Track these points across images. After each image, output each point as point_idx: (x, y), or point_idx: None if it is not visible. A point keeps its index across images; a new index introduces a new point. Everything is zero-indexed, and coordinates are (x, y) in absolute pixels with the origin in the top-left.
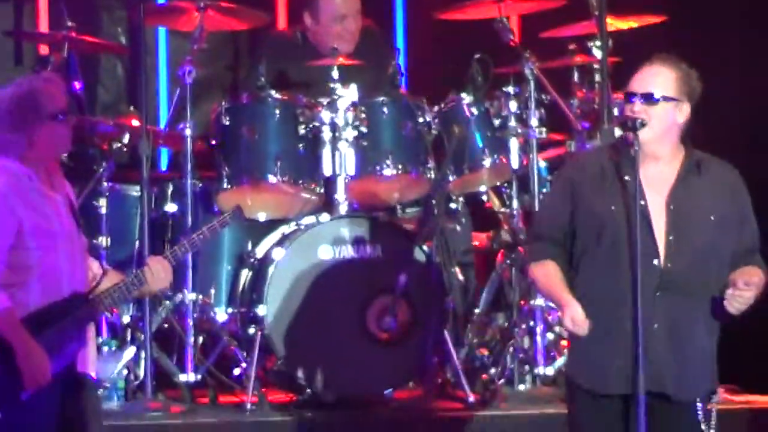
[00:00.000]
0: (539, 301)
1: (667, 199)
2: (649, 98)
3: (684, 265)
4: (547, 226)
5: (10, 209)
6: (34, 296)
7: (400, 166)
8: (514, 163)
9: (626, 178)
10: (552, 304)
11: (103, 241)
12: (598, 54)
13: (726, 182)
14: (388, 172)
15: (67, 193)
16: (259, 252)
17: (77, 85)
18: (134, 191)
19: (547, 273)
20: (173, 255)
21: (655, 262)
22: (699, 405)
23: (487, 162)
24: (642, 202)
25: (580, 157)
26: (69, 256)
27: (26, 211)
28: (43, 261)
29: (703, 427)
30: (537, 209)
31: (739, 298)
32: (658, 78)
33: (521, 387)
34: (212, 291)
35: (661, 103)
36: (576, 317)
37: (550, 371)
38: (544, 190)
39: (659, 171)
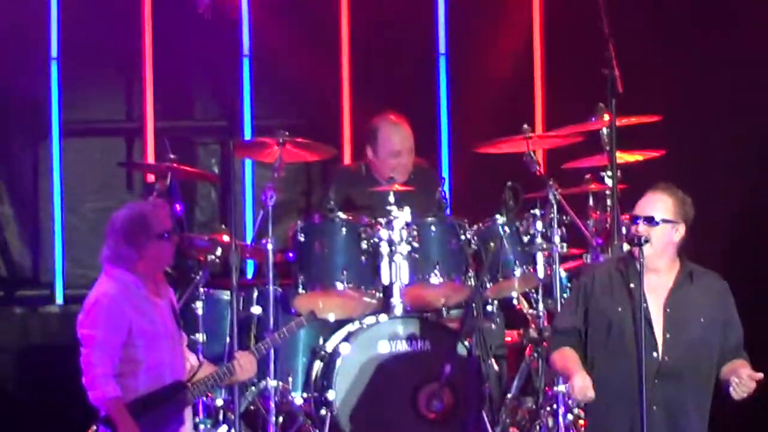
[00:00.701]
0: (561, 388)
1: (665, 304)
2: (650, 221)
3: (678, 358)
4: (564, 322)
5: (121, 312)
6: (141, 384)
7: (445, 275)
8: (540, 273)
9: (631, 285)
10: None
11: (200, 337)
12: (609, 182)
13: (714, 290)
14: (436, 280)
15: (170, 298)
16: (329, 346)
17: (178, 207)
18: (225, 296)
19: (563, 356)
20: (258, 350)
21: (654, 354)
22: None
23: (517, 272)
24: (644, 305)
25: (593, 267)
26: (170, 351)
27: (135, 315)
28: (148, 356)
29: None
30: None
31: (744, 387)
32: (659, 204)
33: None
34: (290, 378)
35: (661, 224)
36: (578, 384)
37: None
38: (565, 295)
39: (658, 280)
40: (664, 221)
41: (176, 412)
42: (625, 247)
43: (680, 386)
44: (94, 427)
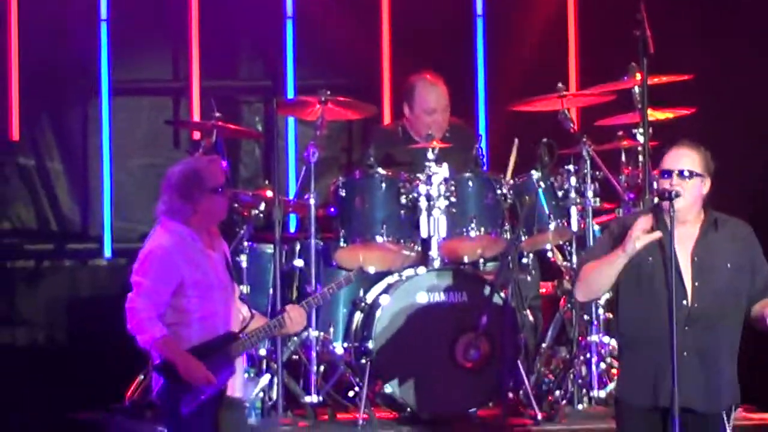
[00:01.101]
0: (594, 338)
1: (692, 253)
2: (683, 174)
3: (707, 304)
4: (592, 257)
5: (174, 264)
6: (194, 333)
7: (482, 229)
8: (574, 226)
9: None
10: (605, 339)
11: (245, 289)
12: (641, 139)
13: (739, 236)
14: (473, 233)
15: (224, 251)
16: (369, 298)
17: (223, 163)
18: (269, 249)
19: (592, 264)
20: (308, 304)
21: (684, 302)
22: (723, 416)
23: (552, 225)
24: (672, 254)
25: (623, 218)
26: (223, 303)
27: (188, 267)
28: (201, 306)
29: None
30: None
31: None
32: (687, 158)
33: (580, 407)
34: (331, 329)
35: (693, 178)
36: (639, 226)
37: (602, 394)
38: None
39: (685, 230)
40: (696, 174)
41: (227, 361)
42: (656, 201)
43: (710, 331)
44: (141, 377)
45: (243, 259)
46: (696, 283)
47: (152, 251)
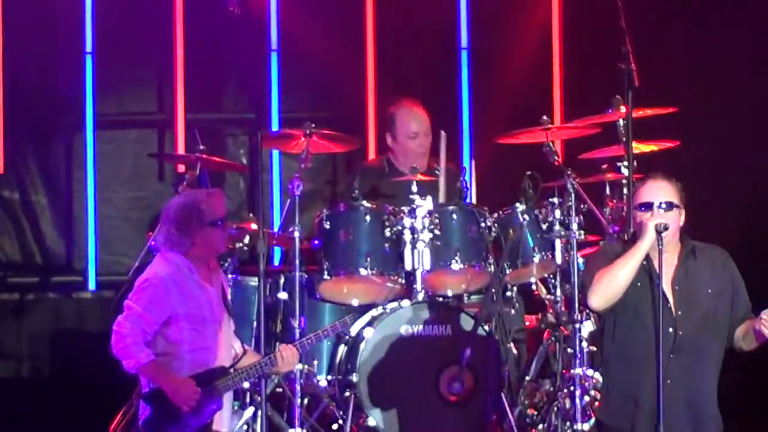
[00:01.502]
0: (578, 371)
1: (672, 281)
2: (669, 206)
3: (691, 332)
4: (595, 270)
5: (168, 294)
6: (185, 366)
7: (466, 262)
8: (558, 259)
9: (644, 262)
10: (589, 372)
11: None
12: (625, 172)
13: (717, 262)
14: (457, 266)
15: (222, 284)
16: (353, 331)
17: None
18: (253, 282)
19: (605, 269)
20: (301, 345)
21: (670, 330)
22: None
23: (536, 258)
24: (656, 281)
25: (610, 245)
26: (214, 337)
27: (182, 299)
28: (192, 339)
29: None
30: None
31: None
32: (665, 190)
33: None
34: (315, 362)
35: (673, 209)
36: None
37: (586, 427)
38: None
39: (664, 260)
40: (674, 206)
41: (215, 395)
42: (652, 232)
43: (694, 360)
44: (125, 409)
45: (228, 292)
46: (679, 312)
47: (149, 280)
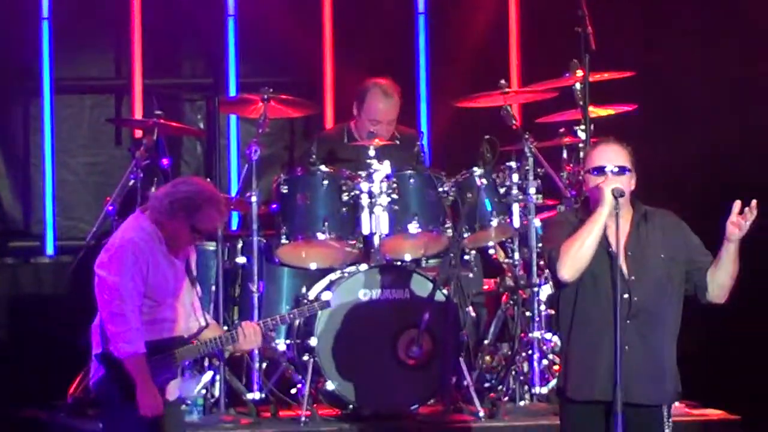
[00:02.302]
0: (536, 334)
1: (626, 247)
2: (623, 171)
3: (646, 297)
4: (557, 241)
5: (144, 260)
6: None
7: (424, 226)
8: (516, 223)
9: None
10: (547, 336)
11: None
12: (582, 135)
13: (668, 226)
14: (414, 230)
15: (188, 257)
16: (311, 294)
17: (165, 161)
18: (211, 247)
19: (569, 240)
20: (265, 324)
21: (625, 296)
22: (663, 409)
23: (494, 222)
24: (611, 249)
25: (565, 213)
26: (173, 309)
27: (149, 266)
28: (151, 310)
29: (666, 429)
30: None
31: (738, 223)
32: (618, 154)
33: (521, 403)
34: None
35: (626, 173)
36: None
37: (544, 390)
38: (539, 245)
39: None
40: (627, 170)
41: (169, 364)
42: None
43: (651, 324)
44: (83, 374)
45: (192, 263)
46: (632, 277)
47: (123, 246)
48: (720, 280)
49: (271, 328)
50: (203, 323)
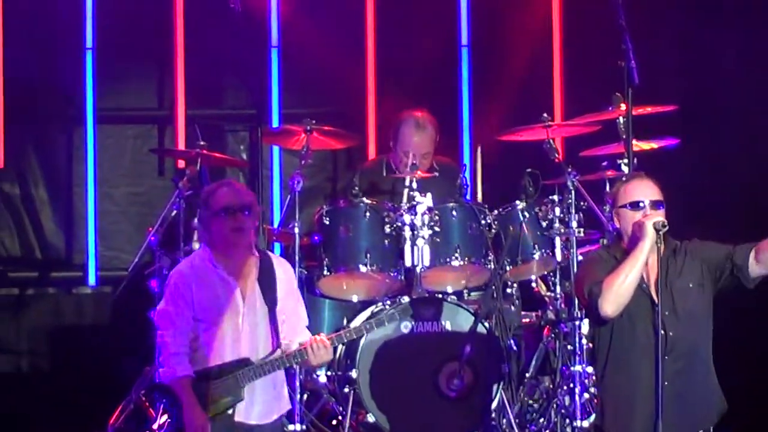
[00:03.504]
0: (578, 368)
1: (656, 282)
2: (659, 205)
3: (682, 331)
4: (598, 277)
5: (189, 286)
6: (198, 359)
7: (466, 258)
8: (558, 257)
9: None
10: (588, 369)
11: None
12: (625, 169)
13: (691, 250)
14: (456, 263)
15: (270, 278)
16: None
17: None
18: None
19: (611, 276)
20: (338, 338)
21: (661, 331)
22: None
23: (536, 255)
24: (644, 285)
25: (598, 252)
26: (235, 330)
27: (199, 290)
28: (208, 332)
29: None
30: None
31: None
32: (654, 189)
33: None
34: None
35: (662, 209)
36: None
37: (585, 424)
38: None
39: (649, 263)
40: (662, 204)
41: (231, 387)
42: (651, 233)
43: (687, 358)
44: (124, 404)
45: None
46: (666, 312)
47: (171, 276)
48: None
49: (344, 342)
50: (287, 344)
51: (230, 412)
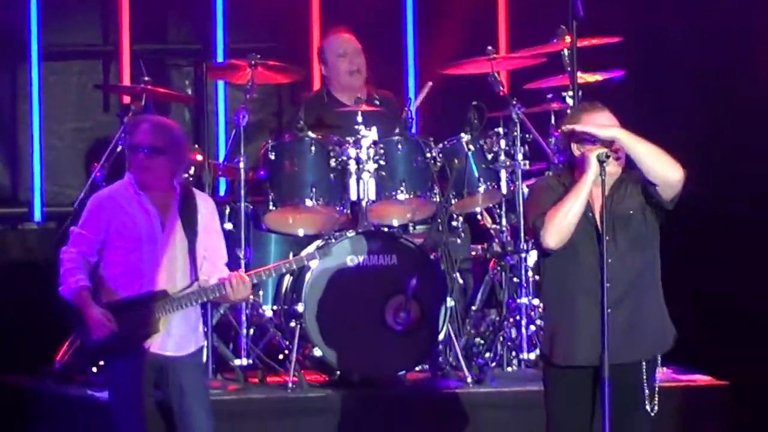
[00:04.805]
0: (524, 300)
1: (600, 211)
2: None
3: (623, 257)
4: (542, 209)
5: (103, 211)
6: (119, 287)
7: (411, 192)
8: (504, 189)
9: None
10: (535, 302)
11: None
12: (570, 102)
13: (633, 177)
14: (402, 196)
15: (189, 211)
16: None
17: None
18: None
19: (554, 209)
20: (257, 276)
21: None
22: (643, 365)
23: (482, 188)
24: (590, 214)
25: (548, 179)
26: (152, 260)
27: (117, 217)
28: (125, 260)
29: (645, 384)
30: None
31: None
32: (608, 119)
33: (509, 369)
34: (261, 292)
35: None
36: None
37: (532, 356)
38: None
39: (597, 192)
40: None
41: (149, 318)
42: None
43: (629, 283)
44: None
45: (198, 218)
46: (607, 238)
47: (89, 200)
48: (650, 175)
49: (262, 279)
50: (196, 278)
51: (146, 344)
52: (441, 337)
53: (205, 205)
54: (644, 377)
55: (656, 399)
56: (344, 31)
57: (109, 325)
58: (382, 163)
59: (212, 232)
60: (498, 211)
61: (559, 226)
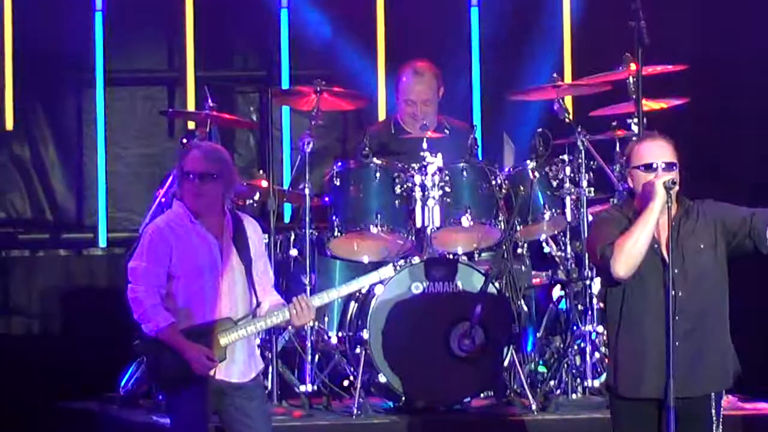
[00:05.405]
0: (588, 327)
1: (667, 242)
2: (671, 167)
3: (692, 291)
4: (609, 239)
5: (166, 242)
6: (180, 317)
7: (476, 219)
8: (568, 216)
9: None
10: (599, 329)
11: None
12: (635, 129)
13: (706, 211)
14: (467, 223)
15: (245, 237)
16: (364, 288)
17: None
18: (264, 239)
19: (622, 238)
20: (320, 298)
21: (671, 291)
22: (712, 397)
23: (546, 215)
24: (655, 246)
25: (610, 210)
26: (214, 288)
27: (177, 246)
28: (187, 290)
29: (713, 416)
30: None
31: None
32: (667, 150)
33: (574, 396)
34: (326, 318)
35: (675, 170)
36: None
37: (597, 383)
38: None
39: (661, 223)
40: (676, 166)
41: (212, 345)
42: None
43: (697, 318)
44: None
45: (250, 243)
46: (676, 271)
47: (146, 232)
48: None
49: (328, 302)
50: (255, 304)
51: (212, 372)
52: (505, 364)
53: (253, 229)
54: (713, 409)
55: (721, 428)
56: (424, 70)
57: (211, 363)
58: (447, 189)
59: (262, 256)
60: (562, 238)
61: (629, 255)
